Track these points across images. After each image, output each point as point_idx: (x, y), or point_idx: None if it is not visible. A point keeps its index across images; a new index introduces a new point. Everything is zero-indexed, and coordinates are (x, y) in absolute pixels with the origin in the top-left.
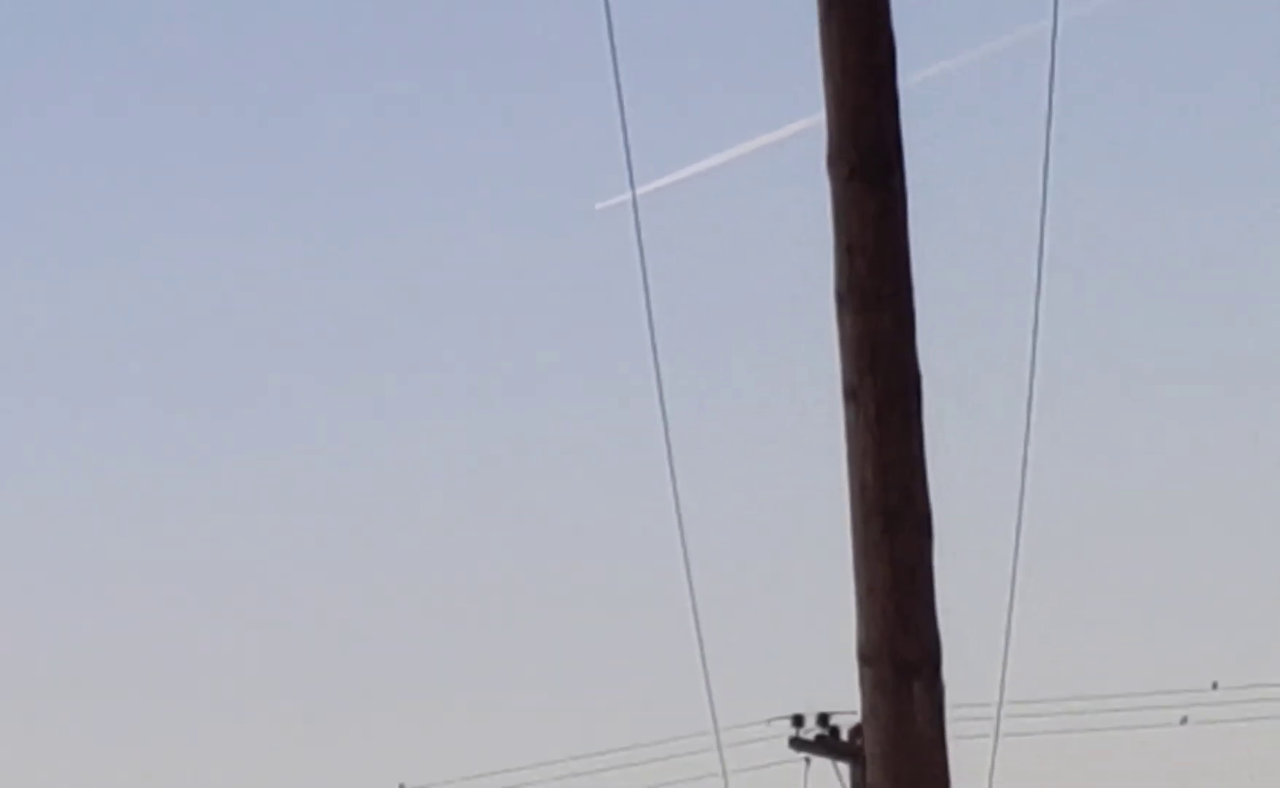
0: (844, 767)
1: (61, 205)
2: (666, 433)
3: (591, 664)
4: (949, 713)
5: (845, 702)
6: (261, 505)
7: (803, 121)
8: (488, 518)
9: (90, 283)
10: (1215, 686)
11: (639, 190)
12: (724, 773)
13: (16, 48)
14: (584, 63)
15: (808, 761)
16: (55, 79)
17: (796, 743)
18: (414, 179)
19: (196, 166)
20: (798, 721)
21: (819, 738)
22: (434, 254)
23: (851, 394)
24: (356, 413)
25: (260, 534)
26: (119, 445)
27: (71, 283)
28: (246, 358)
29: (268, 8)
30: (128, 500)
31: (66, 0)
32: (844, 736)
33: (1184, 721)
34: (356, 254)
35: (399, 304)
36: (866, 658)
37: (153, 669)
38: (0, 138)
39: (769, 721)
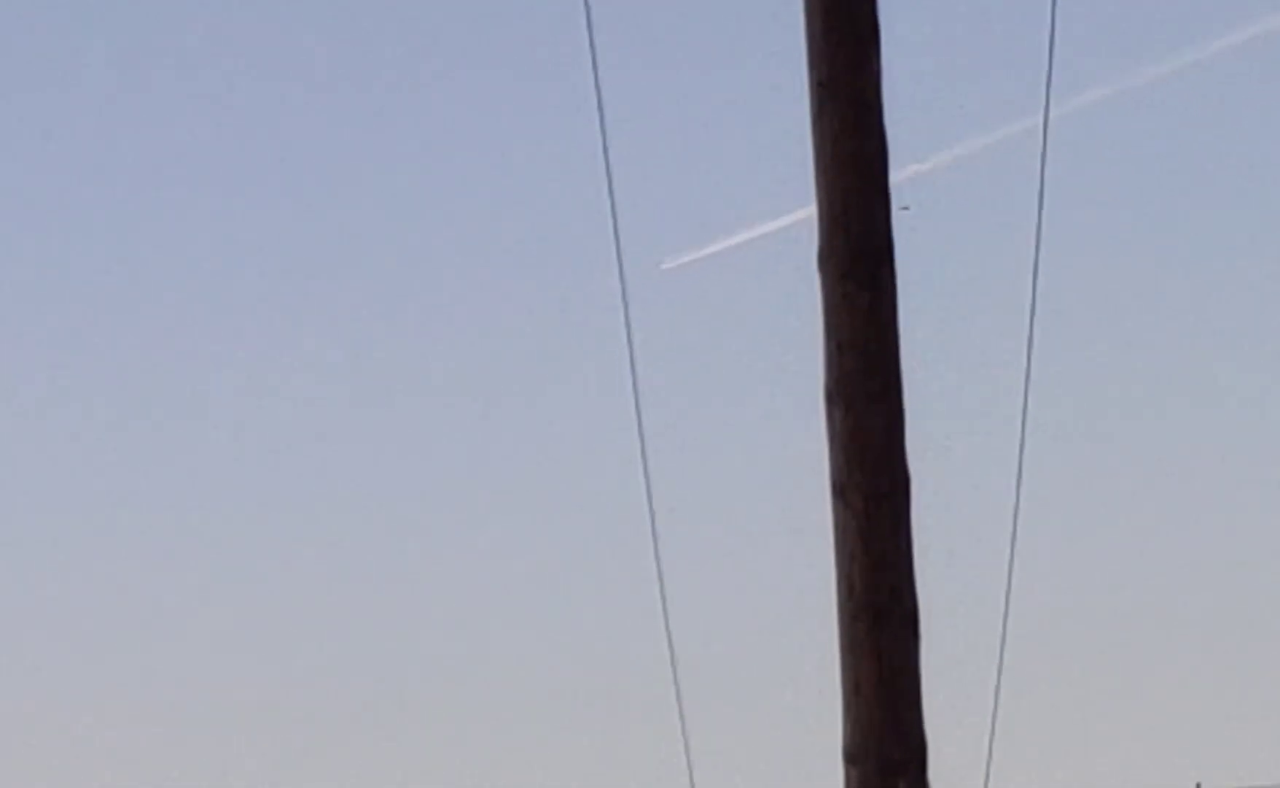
0: None
1: (60, 205)
2: (654, 527)
3: (571, 763)
4: None
5: None
6: (264, 517)
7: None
8: (466, 610)
9: (87, 282)
10: (1198, 786)
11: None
12: None
13: (16, 47)
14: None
15: None
16: (53, 78)
17: None
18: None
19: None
20: None
21: None
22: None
23: (840, 492)
24: (364, 459)
25: (261, 550)
26: (114, 446)
27: (69, 282)
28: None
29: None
30: (123, 501)
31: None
32: None
33: None
34: (407, 311)
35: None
36: (852, 757)
37: (146, 675)
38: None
39: None
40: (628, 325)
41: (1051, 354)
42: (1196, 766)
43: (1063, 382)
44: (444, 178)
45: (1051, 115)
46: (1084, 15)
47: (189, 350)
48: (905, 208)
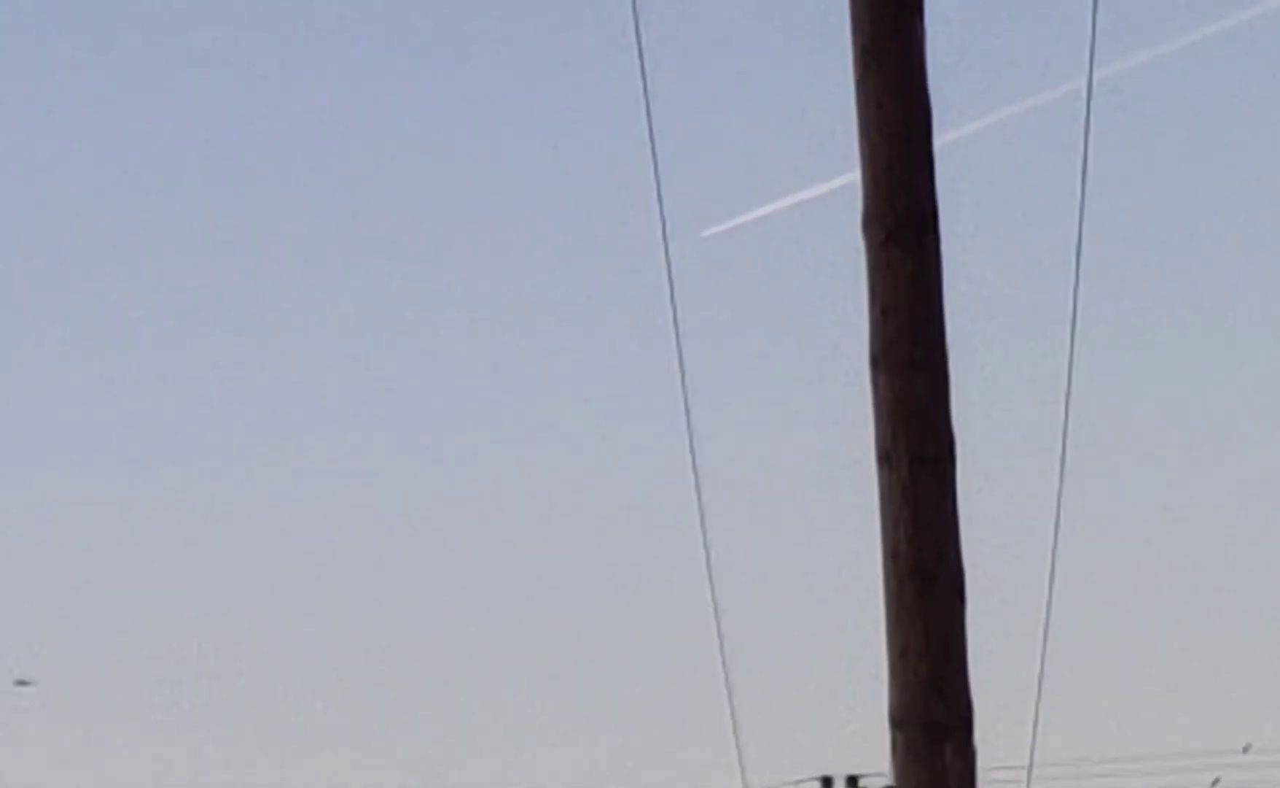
0: None
1: (62, 206)
2: (699, 492)
3: (621, 722)
4: (981, 776)
5: (874, 765)
6: (291, 509)
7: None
8: (517, 572)
9: (92, 285)
10: (1247, 748)
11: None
12: None
13: (16, 48)
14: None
15: None
16: (53, 80)
17: None
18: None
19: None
20: (827, 783)
21: None
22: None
23: (885, 457)
24: (398, 425)
25: (275, 541)
26: (117, 447)
27: (72, 286)
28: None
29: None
30: (126, 502)
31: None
32: None
33: (1216, 782)
34: (449, 278)
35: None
36: (898, 722)
37: (150, 675)
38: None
39: (798, 783)
40: (672, 295)
41: (1097, 317)
42: (1245, 726)
43: (1108, 344)
44: (490, 146)
45: (1095, 78)
46: None
47: (220, 296)
48: None
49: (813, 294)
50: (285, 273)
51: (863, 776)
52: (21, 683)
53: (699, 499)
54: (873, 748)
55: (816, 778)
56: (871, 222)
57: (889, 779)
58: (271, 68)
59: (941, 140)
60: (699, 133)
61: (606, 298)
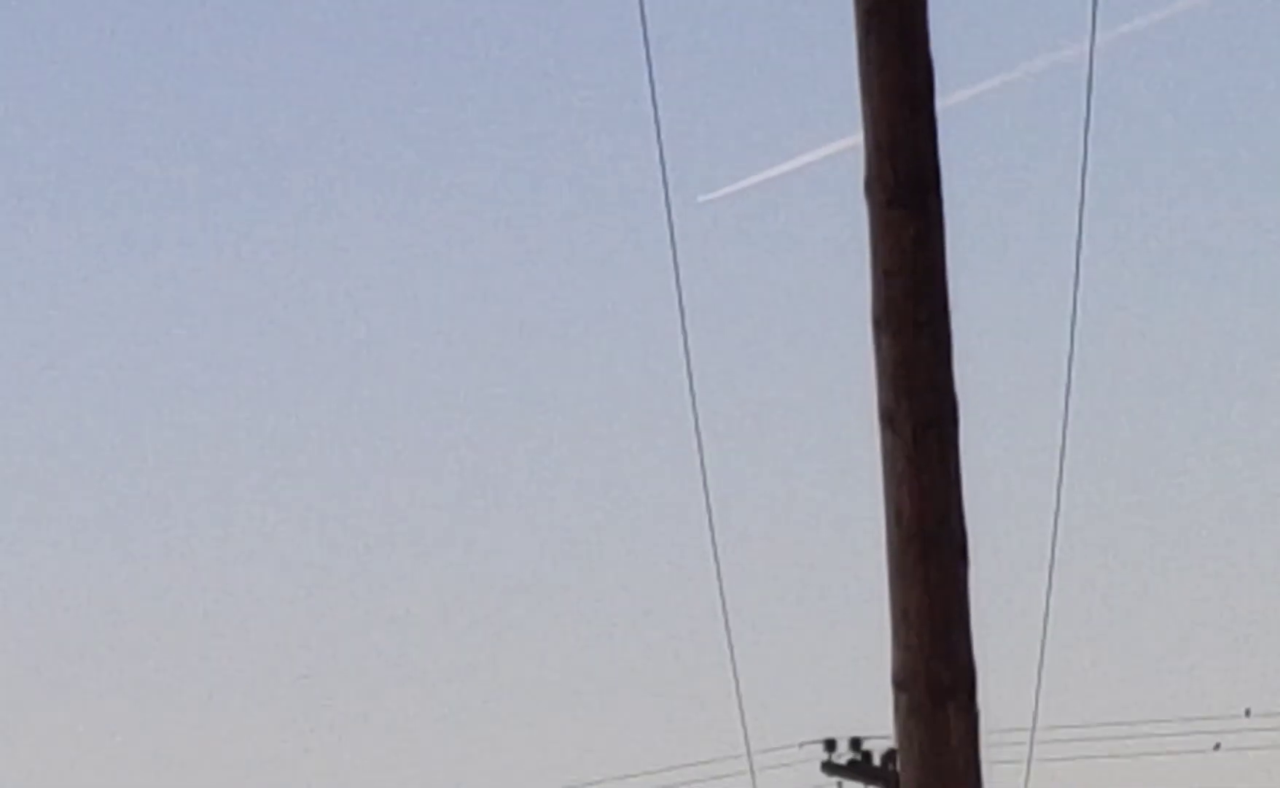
0: None
1: (61, 206)
2: (701, 453)
3: (625, 686)
4: (983, 738)
5: (878, 726)
6: (291, 508)
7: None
8: (522, 537)
9: (93, 283)
10: (1248, 712)
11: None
12: None
13: (15, 47)
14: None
15: (840, 785)
16: (52, 79)
17: (829, 768)
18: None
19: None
20: (830, 745)
21: (851, 763)
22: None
23: (888, 418)
24: (390, 410)
25: (285, 537)
26: (119, 445)
27: (72, 285)
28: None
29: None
30: (129, 499)
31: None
32: (876, 761)
33: (1217, 747)
34: (449, 248)
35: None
36: (901, 683)
37: (152, 669)
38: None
39: (801, 744)
40: (675, 260)
41: (1100, 278)
42: (1247, 690)
43: (1112, 306)
44: (484, 112)
45: (1099, 39)
46: None
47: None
48: None
49: (814, 256)
50: (278, 262)
51: (866, 737)
52: None
53: (702, 464)
54: (876, 710)
55: (820, 740)
56: (874, 184)
57: (892, 742)
58: (261, 50)
59: (945, 102)
60: (697, 96)
61: (605, 263)
